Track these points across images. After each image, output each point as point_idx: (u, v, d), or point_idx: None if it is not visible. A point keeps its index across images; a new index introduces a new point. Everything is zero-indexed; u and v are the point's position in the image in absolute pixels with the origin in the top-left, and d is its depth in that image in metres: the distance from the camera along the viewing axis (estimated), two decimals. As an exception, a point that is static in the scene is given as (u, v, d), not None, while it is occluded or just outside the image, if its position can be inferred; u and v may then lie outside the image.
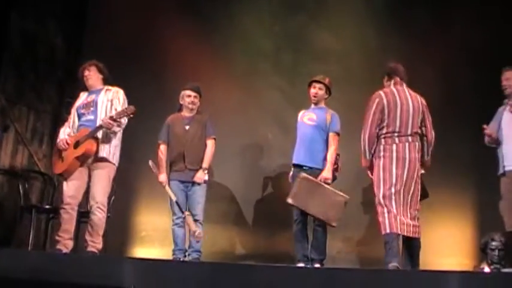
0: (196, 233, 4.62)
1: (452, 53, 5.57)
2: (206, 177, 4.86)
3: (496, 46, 5.55)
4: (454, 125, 5.08)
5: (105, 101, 4.54)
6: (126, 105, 4.53)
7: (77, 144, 4.45)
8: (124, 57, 5.89)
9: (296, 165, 4.70)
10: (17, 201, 5.37)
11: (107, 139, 4.45)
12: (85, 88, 4.72)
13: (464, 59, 5.57)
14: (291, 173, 4.79)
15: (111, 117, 4.36)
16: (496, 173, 4.54)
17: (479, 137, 5.24)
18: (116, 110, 4.46)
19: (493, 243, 4.50)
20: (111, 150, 4.48)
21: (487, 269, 4.48)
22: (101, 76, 4.67)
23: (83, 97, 4.69)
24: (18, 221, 5.32)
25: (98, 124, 4.41)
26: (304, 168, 4.62)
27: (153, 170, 4.85)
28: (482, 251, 4.65)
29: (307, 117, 4.78)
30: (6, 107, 5.65)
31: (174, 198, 4.75)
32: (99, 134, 4.43)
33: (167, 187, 4.80)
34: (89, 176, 4.49)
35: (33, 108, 5.92)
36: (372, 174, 4.24)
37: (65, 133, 4.60)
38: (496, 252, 4.47)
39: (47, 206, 5.42)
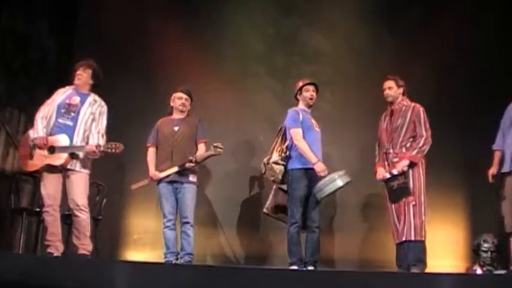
0: (216, 146, 4.67)
1: (444, 53, 5.59)
2: (195, 179, 4.83)
3: (489, 46, 5.59)
4: (446, 125, 5.09)
5: (88, 114, 4.50)
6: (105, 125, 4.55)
7: (52, 150, 4.38)
8: (116, 60, 5.86)
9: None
10: (8, 204, 5.32)
11: (83, 156, 4.44)
12: (73, 83, 4.63)
13: (457, 59, 5.60)
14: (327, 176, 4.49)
15: (98, 146, 4.36)
16: (486, 172, 4.55)
17: (471, 138, 5.27)
18: (99, 130, 4.46)
19: (486, 245, 4.52)
20: (84, 163, 4.47)
21: (479, 271, 4.50)
22: (91, 82, 4.60)
23: (67, 93, 4.59)
24: (9, 223, 5.27)
25: (81, 142, 4.39)
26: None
27: (140, 185, 4.84)
28: (475, 253, 4.67)
29: (313, 122, 4.75)
30: (-3, 110, 5.61)
31: (177, 169, 4.71)
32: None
33: (164, 173, 4.75)
34: (63, 180, 4.45)
35: (24, 110, 5.87)
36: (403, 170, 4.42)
37: (42, 129, 4.45)
38: (489, 254, 4.49)
39: (38, 209, 5.36)
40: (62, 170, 4.42)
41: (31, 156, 4.47)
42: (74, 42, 6.31)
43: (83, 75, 4.58)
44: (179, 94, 4.95)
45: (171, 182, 4.78)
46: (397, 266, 4.48)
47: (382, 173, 4.54)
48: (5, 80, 5.76)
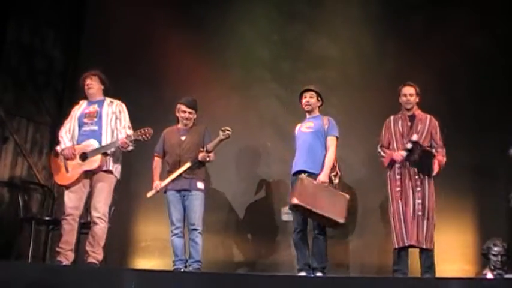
0: (224, 129, 4.64)
1: (449, 57, 5.59)
2: (203, 187, 4.84)
3: (494, 51, 5.57)
4: (453, 130, 5.08)
5: (110, 113, 4.60)
6: (128, 119, 4.61)
7: (84, 157, 4.43)
8: (122, 68, 5.89)
9: (296, 173, 4.62)
10: (17, 213, 5.34)
11: (114, 154, 4.52)
12: (85, 97, 4.74)
13: (462, 63, 5.59)
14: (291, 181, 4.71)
15: (128, 137, 4.44)
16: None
17: (476, 142, 5.24)
18: (124, 125, 4.55)
19: (496, 248, 4.49)
20: (115, 164, 4.55)
21: (489, 275, 4.46)
22: (102, 87, 4.72)
23: (82, 105, 4.69)
24: (18, 232, 5.30)
25: (111, 141, 4.47)
26: (304, 173, 4.55)
27: (154, 192, 4.84)
28: (485, 257, 4.63)
29: (304, 126, 4.77)
30: (5, 119, 5.65)
31: (189, 164, 4.67)
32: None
33: (166, 181, 4.76)
34: (90, 186, 4.49)
35: (32, 119, 5.90)
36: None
37: (68, 141, 4.53)
38: (499, 258, 4.46)
39: (47, 218, 5.39)
40: (91, 177, 4.45)
41: (67, 170, 4.50)
42: (80, 52, 6.35)
43: (93, 84, 4.68)
44: (183, 108, 4.93)
45: (179, 190, 4.79)
46: (393, 272, 4.44)
47: (398, 154, 4.54)
48: (13, 90, 5.81)
